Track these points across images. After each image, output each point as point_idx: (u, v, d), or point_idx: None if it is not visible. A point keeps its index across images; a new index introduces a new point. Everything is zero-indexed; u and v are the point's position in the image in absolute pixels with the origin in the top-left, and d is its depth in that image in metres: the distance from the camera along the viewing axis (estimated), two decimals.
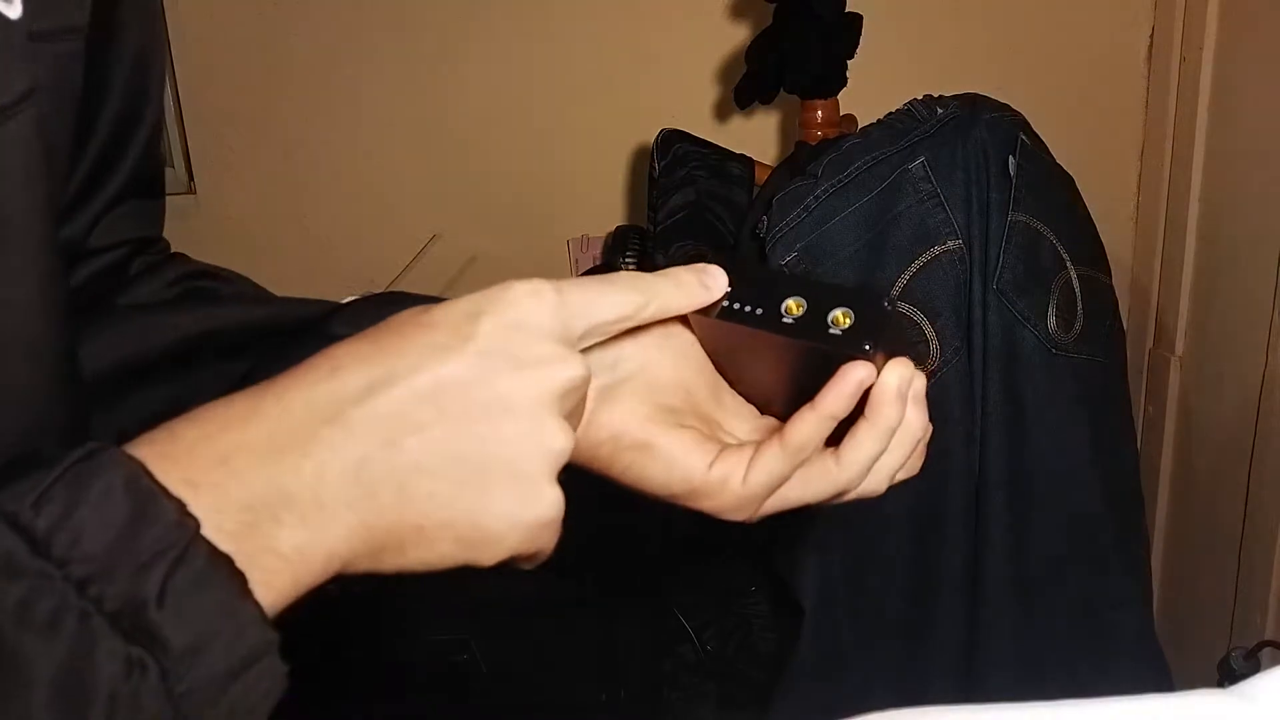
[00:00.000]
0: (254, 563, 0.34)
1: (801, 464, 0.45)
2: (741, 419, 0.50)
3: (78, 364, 0.52)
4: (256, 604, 0.33)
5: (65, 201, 0.55)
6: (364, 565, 0.37)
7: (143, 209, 0.61)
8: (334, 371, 0.37)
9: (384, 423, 0.36)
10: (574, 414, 0.41)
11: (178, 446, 0.35)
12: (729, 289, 0.45)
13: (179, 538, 0.32)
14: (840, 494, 0.46)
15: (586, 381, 0.40)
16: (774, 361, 0.46)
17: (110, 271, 0.59)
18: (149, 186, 0.61)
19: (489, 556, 0.38)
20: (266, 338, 0.57)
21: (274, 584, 0.34)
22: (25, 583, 0.31)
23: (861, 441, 0.44)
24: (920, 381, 0.45)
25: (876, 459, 0.45)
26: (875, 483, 0.46)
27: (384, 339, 0.38)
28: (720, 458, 0.45)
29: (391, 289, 1.08)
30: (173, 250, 0.65)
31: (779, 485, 0.45)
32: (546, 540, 0.39)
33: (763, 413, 0.51)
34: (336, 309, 0.58)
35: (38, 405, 0.47)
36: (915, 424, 0.46)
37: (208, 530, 0.33)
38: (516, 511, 0.38)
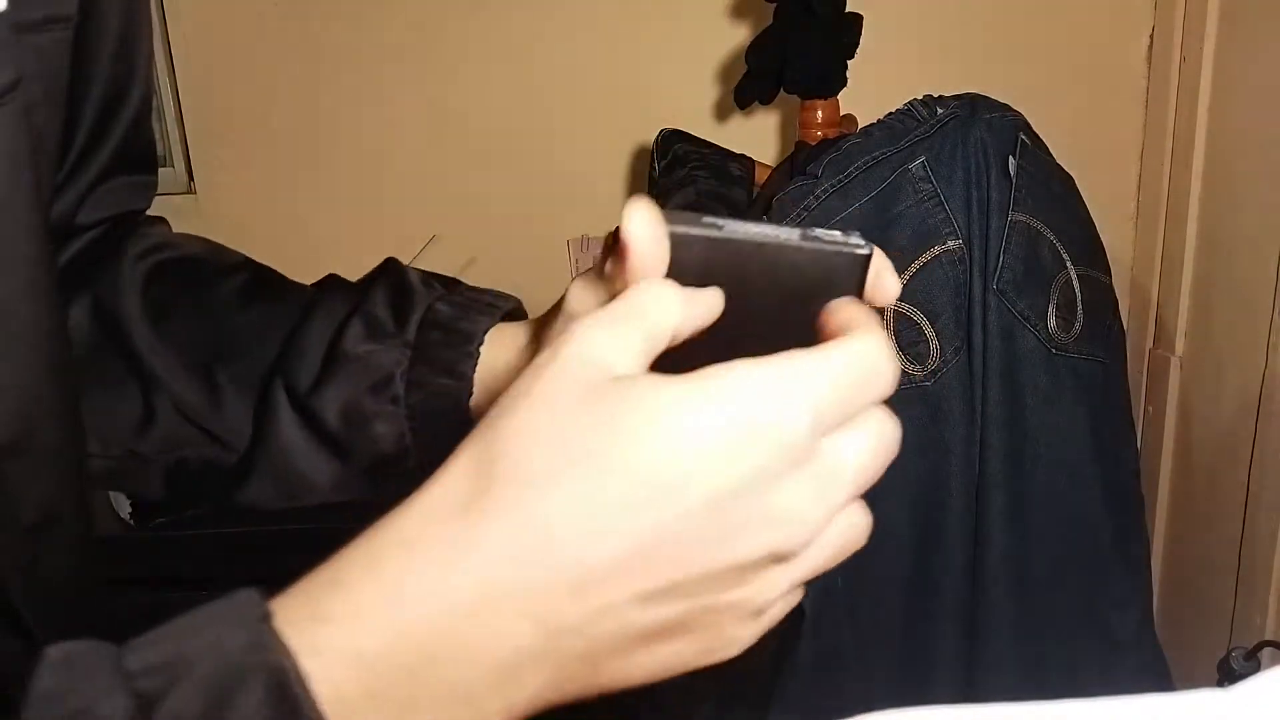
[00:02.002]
0: None
1: None
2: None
3: (69, 350, 0.52)
4: None
5: (56, 182, 0.55)
6: None
7: (131, 184, 0.60)
8: (538, 524, 0.29)
9: (589, 619, 0.30)
10: None
11: (360, 644, 0.30)
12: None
13: None
14: None
15: None
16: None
17: (96, 246, 0.59)
18: (137, 162, 0.60)
19: None
20: (224, 357, 0.56)
21: None
22: None
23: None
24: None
25: None
26: None
27: (599, 471, 0.29)
28: None
29: None
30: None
31: None
32: None
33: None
34: (297, 328, 0.55)
35: (32, 393, 0.47)
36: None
37: None
38: (703, 662, 0.35)
